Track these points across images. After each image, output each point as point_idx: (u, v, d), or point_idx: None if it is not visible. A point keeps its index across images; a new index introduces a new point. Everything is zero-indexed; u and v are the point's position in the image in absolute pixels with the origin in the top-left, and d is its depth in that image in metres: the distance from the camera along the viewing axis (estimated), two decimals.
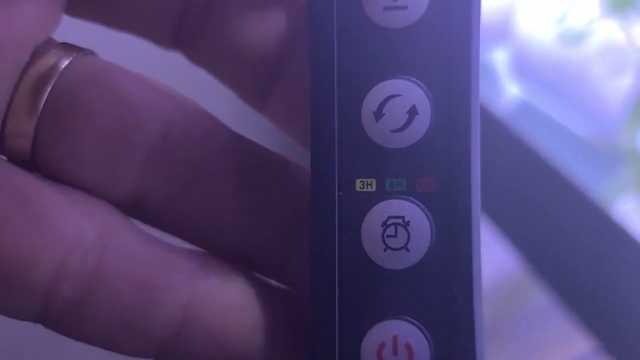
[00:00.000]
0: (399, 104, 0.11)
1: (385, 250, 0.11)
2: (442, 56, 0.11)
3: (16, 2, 0.11)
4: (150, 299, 0.12)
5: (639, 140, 0.40)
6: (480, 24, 0.11)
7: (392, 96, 0.11)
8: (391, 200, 0.11)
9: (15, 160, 0.12)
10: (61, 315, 0.12)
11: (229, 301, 0.13)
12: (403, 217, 0.11)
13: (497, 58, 0.47)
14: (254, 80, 0.13)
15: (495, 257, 0.50)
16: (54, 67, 0.12)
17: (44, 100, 0.12)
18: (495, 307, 0.49)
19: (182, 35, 0.13)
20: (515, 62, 0.45)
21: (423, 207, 0.11)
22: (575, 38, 0.39)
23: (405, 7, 0.11)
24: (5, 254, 0.11)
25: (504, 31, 0.44)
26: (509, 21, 0.44)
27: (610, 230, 0.43)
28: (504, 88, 0.47)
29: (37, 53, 0.12)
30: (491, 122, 0.45)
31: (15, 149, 0.12)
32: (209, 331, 0.12)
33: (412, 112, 0.11)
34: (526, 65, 0.44)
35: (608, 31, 0.38)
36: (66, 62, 0.12)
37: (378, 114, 0.11)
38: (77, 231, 0.12)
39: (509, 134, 0.45)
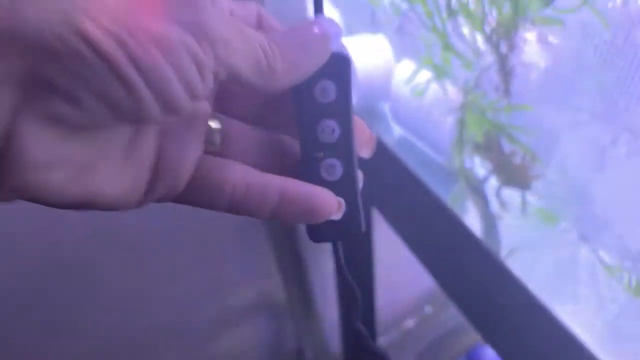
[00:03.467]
0: (330, 126, 0.26)
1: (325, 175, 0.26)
2: (342, 111, 0.25)
3: None
4: None
5: (466, 160, 0.58)
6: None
7: (328, 124, 0.26)
8: (327, 159, 0.26)
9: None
10: None
11: None
12: (334, 166, 0.26)
13: (385, 108, 0.68)
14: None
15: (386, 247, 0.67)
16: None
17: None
18: None
19: None
20: (394, 110, 0.65)
21: (340, 163, 0.26)
22: (419, 93, 0.59)
23: (328, 94, 0.25)
24: None
25: (387, 92, 0.64)
26: (388, 86, 0.64)
27: (458, 229, 0.59)
28: (391, 127, 0.67)
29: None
30: (385, 151, 0.64)
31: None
32: None
33: (335, 130, 0.25)
34: (400, 113, 0.65)
35: (436, 89, 0.58)
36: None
37: (321, 131, 0.26)
38: None
39: (395, 159, 0.63)
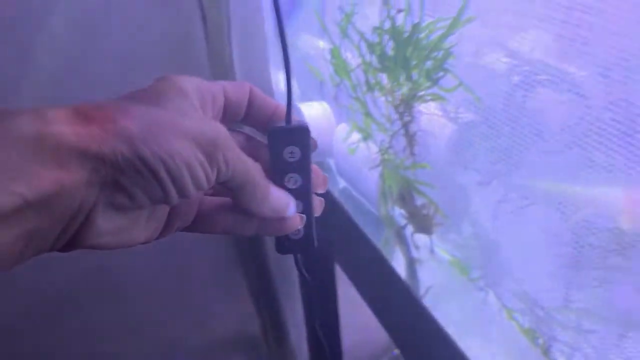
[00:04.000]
0: (294, 178, 0.33)
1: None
2: (303, 167, 0.32)
3: None
4: None
5: (390, 209, 0.67)
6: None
7: (292, 177, 0.32)
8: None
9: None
10: None
11: None
12: (297, 204, 0.33)
13: (331, 163, 0.78)
14: None
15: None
16: None
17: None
18: None
19: None
20: (337, 165, 0.75)
21: (301, 202, 0.34)
22: (352, 151, 0.70)
23: (294, 156, 0.32)
24: None
25: (331, 149, 0.75)
26: (332, 144, 0.75)
27: (384, 265, 0.68)
28: (336, 180, 0.77)
29: None
30: (332, 200, 0.74)
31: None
32: None
33: (297, 181, 0.33)
34: (342, 168, 0.75)
35: (364, 148, 0.68)
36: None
37: (287, 181, 0.33)
38: None
39: (340, 207, 0.73)
